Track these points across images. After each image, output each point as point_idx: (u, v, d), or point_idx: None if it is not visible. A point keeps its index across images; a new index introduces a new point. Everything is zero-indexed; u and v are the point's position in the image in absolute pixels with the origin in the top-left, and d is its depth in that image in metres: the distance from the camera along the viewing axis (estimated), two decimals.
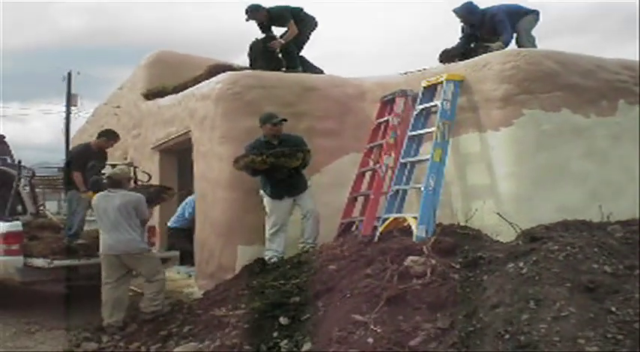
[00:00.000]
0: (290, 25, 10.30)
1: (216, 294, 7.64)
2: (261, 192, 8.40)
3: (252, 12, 10.38)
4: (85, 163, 9.58)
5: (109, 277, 8.00)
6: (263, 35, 10.48)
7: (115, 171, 8.55)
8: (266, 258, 8.05)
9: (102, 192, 8.30)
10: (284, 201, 8.29)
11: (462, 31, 9.53)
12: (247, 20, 10.42)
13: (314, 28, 10.70)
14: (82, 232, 9.55)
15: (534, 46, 8.99)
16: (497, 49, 8.50)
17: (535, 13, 9.31)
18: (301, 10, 10.50)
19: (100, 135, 10.11)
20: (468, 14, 9.35)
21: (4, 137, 10.77)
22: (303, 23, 10.46)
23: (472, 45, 9.41)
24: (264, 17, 10.41)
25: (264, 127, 8.39)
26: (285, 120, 8.37)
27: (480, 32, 9.37)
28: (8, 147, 10.65)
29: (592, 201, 7.13)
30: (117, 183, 8.25)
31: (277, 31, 10.59)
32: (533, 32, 9.27)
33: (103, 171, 9.74)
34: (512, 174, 7.21)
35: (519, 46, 9.02)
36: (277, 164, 8.08)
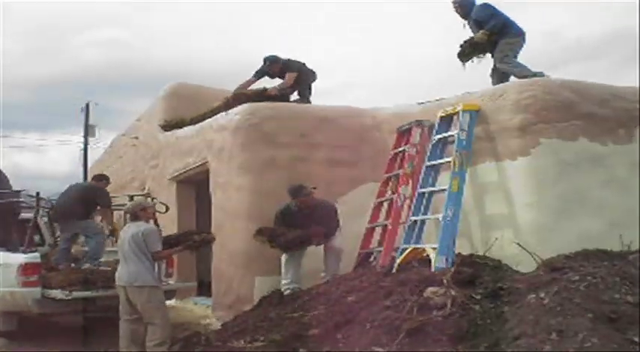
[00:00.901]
0: (289, 75, 10.82)
1: (234, 326, 7.61)
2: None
3: (272, 63, 11.01)
4: None
5: (124, 310, 7.86)
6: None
7: (128, 205, 8.54)
8: (282, 288, 8.06)
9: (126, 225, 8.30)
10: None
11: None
12: (264, 72, 11.13)
13: (313, 80, 11.29)
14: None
15: (515, 68, 8.84)
16: (480, 39, 8.78)
17: (522, 37, 9.11)
18: (303, 64, 11.14)
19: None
20: (465, 4, 9.32)
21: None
22: (304, 75, 11.08)
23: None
24: (278, 69, 10.98)
25: (296, 200, 8.39)
26: (314, 188, 8.43)
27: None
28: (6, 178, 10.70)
29: (612, 230, 7.06)
30: (133, 215, 8.18)
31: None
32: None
33: None
34: (531, 204, 7.18)
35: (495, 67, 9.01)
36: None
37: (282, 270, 8.30)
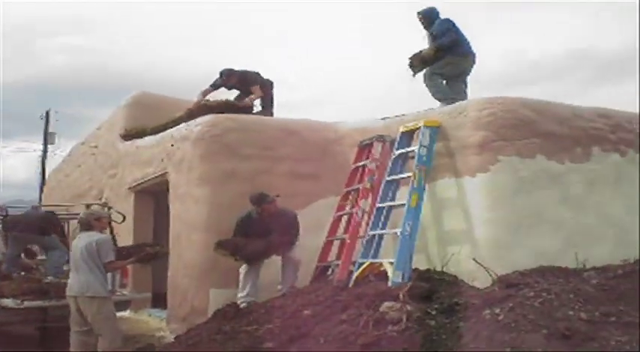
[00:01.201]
0: (255, 88, 11.10)
1: (187, 339, 7.53)
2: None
3: (228, 76, 11.26)
4: None
5: (74, 321, 7.72)
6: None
7: (82, 214, 8.40)
8: (239, 302, 7.97)
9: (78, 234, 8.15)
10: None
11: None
12: (219, 85, 11.38)
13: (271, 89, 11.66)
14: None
15: (434, 89, 9.10)
16: (427, 53, 9.01)
17: (470, 57, 9.35)
18: (258, 74, 11.46)
19: None
20: (428, 16, 9.52)
21: None
22: (266, 86, 11.43)
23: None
24: (235, 81, 11.23)
25: (259, 207, 8.31)
26: (278, 195, 8.34)
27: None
28: None
29: (568, 247, 7.16)
30: (85, 224, 8.01)
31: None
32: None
33: None
34: (489, 220, 7.21)
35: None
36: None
37: (241, 283, 8.19)
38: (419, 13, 9.58)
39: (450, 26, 9.18)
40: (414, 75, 9.22)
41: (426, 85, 9.05)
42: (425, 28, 9.53)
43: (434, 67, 9.05)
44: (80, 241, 7.81)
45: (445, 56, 9.02)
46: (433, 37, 9.24)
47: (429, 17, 9.47)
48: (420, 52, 9.15)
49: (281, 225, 8.24)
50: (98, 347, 7.57)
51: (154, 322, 10.12)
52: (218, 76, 11.40)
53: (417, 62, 9.15)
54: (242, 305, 7.90)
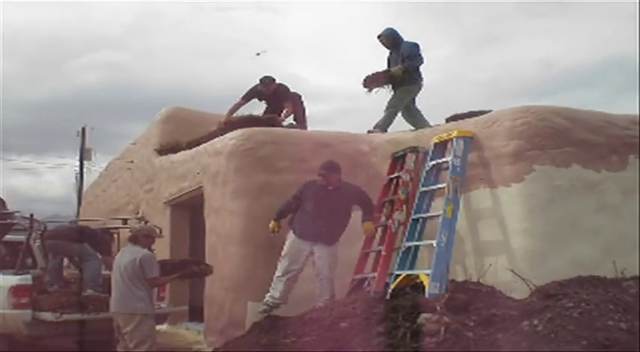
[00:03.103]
0: (288, 104, 11.22)
1: None
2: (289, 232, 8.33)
3: (267, 84, 11.28)
4: None
5: (119, 335, 7.82)
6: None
7: (135, 226, 8.49)
8: (263, 301, 7.97)
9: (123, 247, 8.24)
10: (303, 244, 8.15)
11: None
12: (255, 92, 11.44)
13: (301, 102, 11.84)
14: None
15: (386, 119, 10.06)
16: (395, 72, 9.87)
17: (421, 85, 10.26)
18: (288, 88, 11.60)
19: None
20: (392, 37, 10.27)
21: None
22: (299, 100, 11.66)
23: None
24: (272, 90, 11.30)
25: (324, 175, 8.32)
26: (323, 174, 8.27)
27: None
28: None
29: (606, 256, 7.08)
30: (133, 238, 8.11)
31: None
32: None
33: None
34: (525, 230, 7.17)
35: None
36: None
37: (273, 281, 8.11)
38: (381, 35, 10.31)
39: (419, 51, 10.06)
40: (369, 91, 10.07)
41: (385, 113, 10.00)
42: (388, 47, 10.33)
43: (394, 96, 10.00)
44: (123, 257, 7.91)
45: (405, 80, 9.91)
46: (402, 58, 9.98)
47: (393, 39, 10.27)
48: (389, 70, 10.00)
49: (341, 196, 8.25)
50: None
51: (191, 335, 10.20)
52: (252, 86, 11.40)
53: (384, 79, 9.95)
54: (267, 304, 7.91)
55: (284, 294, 8.04)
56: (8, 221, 10.36)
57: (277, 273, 8.14)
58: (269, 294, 8.05)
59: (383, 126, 9.98)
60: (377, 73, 9.96)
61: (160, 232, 10.57)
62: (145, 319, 7.71)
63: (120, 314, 7.71)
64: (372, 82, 9.99)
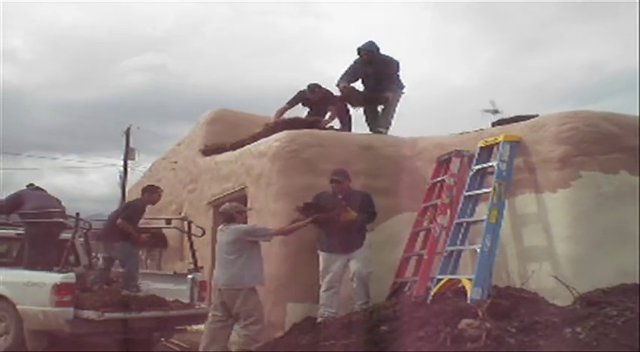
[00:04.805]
0: (332, 109, 11.13)
1: None
2: (318, 251, 8.40)
3: (314, 91, 11.21)
4: (136, 218, 10.16)
5: (213, 313, 8.07)
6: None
7: (224, 207, 8.60)
8: (318, 315, 7.98)
9: (219, 227, 8.46)
10: (338, 257, 8.24)
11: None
12: (302, 98, 11.38)
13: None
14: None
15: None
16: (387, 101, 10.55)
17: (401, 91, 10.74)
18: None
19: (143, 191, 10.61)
20: (371, 50, 10.55)
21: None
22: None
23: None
24: (319, 97, 11.18)
25: (335, 183, 8.50)
26: (338, 181, 8.43)
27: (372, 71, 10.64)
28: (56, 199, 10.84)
29: None
30: (228, 216, 8.32)
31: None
32: None
33: None
34: (570, 237, 7.06)
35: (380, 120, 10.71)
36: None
37: (322, 297, 8.20)
38: (365, 48, 10.57)
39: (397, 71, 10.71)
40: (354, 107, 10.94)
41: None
42: (368, 62, 10.60)
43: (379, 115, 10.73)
44: (224, 235, 8.16)
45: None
46: (385, 75, 10.55)
47: (373, 53, 10.61)
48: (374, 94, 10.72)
49: (352, 202, 8.36)
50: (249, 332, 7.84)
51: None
52: (298, 92, 11.41)
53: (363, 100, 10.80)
54: (324, 316, 7.91)
55: (336, 304, 8.14)
56: (63, 220, 10.45)
57: (323, 288, 8.23)
58: (325, 309, 8.12)
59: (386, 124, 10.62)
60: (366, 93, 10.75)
61: (204, 232, 10.68)
62: (251, 292, 7.95)
63: (226, 290, 7.94)
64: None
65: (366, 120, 11.04)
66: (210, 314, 8.13)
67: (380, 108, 10.85)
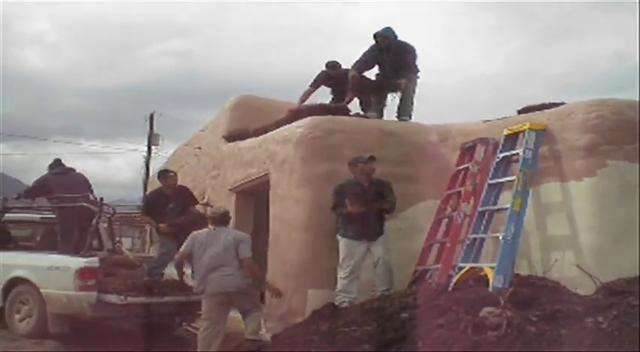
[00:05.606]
0: (349, 92, 10.94)
1: (284, 338, 7.53)
2: (337, 236, 8.36)
3: (333, 68, 11.29)
4: (159, 206, 10.25)
5: (213, 316, 8.02)
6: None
7: (212, 210, 8.61)
8: (337, 302, 7.96)
9: (206, 230, 8.41)
10: (360, 244, 8.22)
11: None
12: (322, 77, 11.43)
13: None
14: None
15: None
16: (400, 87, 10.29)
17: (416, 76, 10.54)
18: None
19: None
20: (387, 37, 10.32)
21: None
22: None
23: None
24: (340, 76, 11.07)
25: (355, 169, 8.45)
26: (373, 158, 8.44)
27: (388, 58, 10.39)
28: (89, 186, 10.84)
29: None
30: (219, 221, 8.33)
31: None
32: None
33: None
34: (594, 226, 7.00)
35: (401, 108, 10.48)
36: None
37: (340, 283, 8.18)
38: (381, 34, 10.31)
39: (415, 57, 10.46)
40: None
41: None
42: (386, 47, 10.32)
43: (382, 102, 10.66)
44: (222, 236, 8.14)
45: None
46: (405, 63, 10.34)
47: (389, 38, 10.33)
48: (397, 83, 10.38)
49: (378, 188, 8.42)
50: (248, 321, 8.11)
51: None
52: (319, 72, 11.39)
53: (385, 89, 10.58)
54: (343, 304, 7.89)
55: (355, 291, 8.13)
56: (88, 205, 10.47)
57: (343, 275, 8.19)
58: (345, 295, 8.08)
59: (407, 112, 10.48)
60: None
61: None
62: (251, 290, 8.24)
63: (236, 293, 8.02)
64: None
65: (369, 107, 10.99)
66: (202, 324, 8.09)
67: (390, 96, 10.75)
